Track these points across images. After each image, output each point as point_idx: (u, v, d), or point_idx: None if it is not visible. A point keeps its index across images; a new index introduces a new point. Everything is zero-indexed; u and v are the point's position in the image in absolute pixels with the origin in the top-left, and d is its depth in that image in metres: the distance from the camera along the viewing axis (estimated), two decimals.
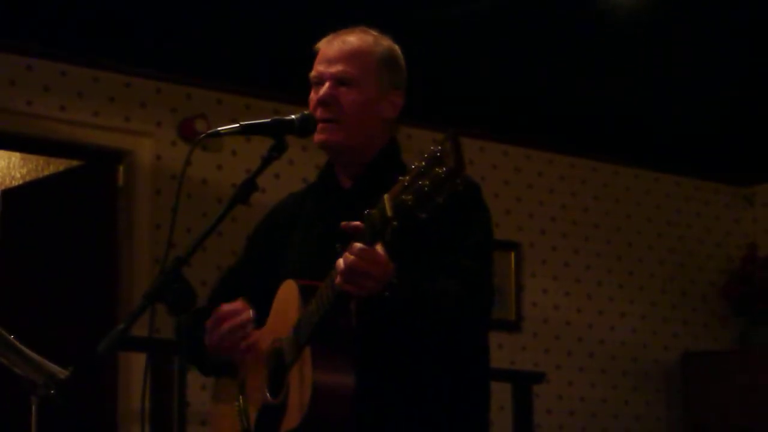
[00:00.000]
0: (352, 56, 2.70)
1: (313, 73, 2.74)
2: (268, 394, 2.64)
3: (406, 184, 2.20)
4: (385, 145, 2.75)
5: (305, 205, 2.85)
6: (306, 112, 2.66)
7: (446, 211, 2.48)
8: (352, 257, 2.35)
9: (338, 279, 2.38)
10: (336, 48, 2.72)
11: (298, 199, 2.90)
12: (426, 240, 2.54)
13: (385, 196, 2.25)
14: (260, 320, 2.73)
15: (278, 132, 2.60)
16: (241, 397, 2.75)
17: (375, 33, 2.77)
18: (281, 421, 2.56)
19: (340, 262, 2.37)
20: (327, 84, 2.69)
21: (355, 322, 2.49)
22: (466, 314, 2.57)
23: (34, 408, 3.21)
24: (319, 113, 2.69)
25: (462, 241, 2.60)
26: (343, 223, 2.38)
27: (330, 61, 2.71)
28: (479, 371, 2.71)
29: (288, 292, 2.62)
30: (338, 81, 2.69)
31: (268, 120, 2.62)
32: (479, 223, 2.67)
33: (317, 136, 2.70)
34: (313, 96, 2.73)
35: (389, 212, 2.23)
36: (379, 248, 2.37)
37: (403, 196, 2.20)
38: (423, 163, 2.18)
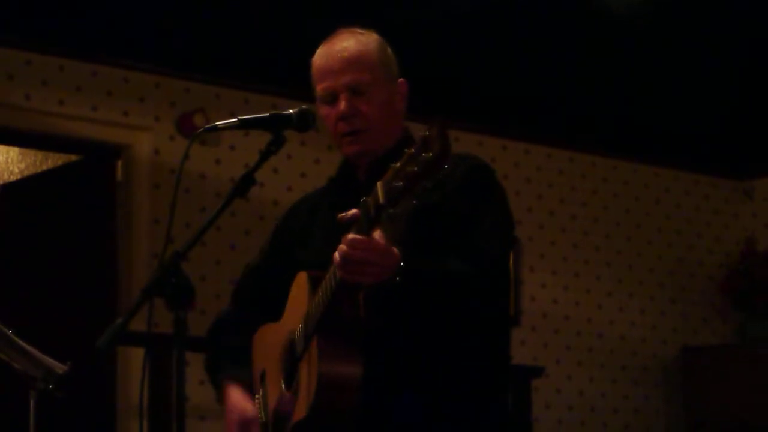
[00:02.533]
0: (357, 62, 2.69)
1: (320, 90, 2.73)
2: (283, 386, 2.65)
3: (397, 169, 2.22)
4: (400, 136, 2.76)
5: (324, 200, 2.87)
6: (304, 106, 2.66)
7: (460, 193, 2.50)
8: (344, 247, 2.36)
9: (338, 271, 2.40)
10: (338, 58, 2.70)
11: (318, 195, 2.93)
12: (440, 222, 2.55)
13: (378, 183, 2.26)
14: (279, 317, 2.76)
15: (276, 126, 2.60)
16: (261, 389, 2.77)
17: (361, 31, 2.77)
18: (293, 412, 2.57)
19: (336, 254, 2.38)
20: (343, 97, 2.68)
21: (362, 312, 2.49)
22: (478, 296, 2.57)
23: (32, 402, 3.21)
24: (341, 127, 2.70)
25: (475, 223, 2.60)
26: (340, 216, 2.39)
27: (337, 73, 2.69)
28: (494, 359, 2.70)
29: (300, 285, 2.65)
30: (353, 91, 2.68)
31: (267, 114, 2.61)
32: (493, 204, 2.67)
33: (349, 149, 2.71)
34: (328, 112, 2.72)
35: (381, 199, 2.24)
36: (377, 235, 2.38)
37: (394, 182, 2.21)
38: (412, 150, 2.20)
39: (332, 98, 2.70)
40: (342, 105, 2.68)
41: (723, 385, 7.93)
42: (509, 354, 2.79)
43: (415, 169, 2.17)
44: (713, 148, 8.20)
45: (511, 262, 8.38)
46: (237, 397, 2.80)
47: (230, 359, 2.87)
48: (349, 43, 2.72)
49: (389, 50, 2.78)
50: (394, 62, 2.77)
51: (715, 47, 6.56)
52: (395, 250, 2.40)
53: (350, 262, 2.36)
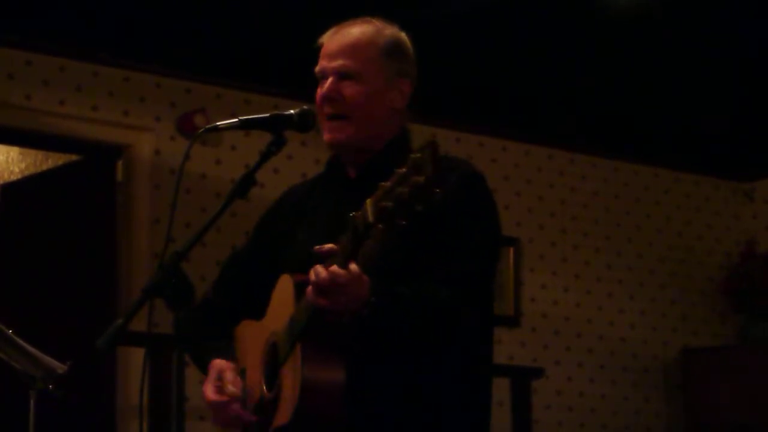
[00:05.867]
0: (352, 49, 2.68)
1: (317, 69, 2.73)
2: (264, 388, 2.64)
3: (387, 189, 2.21)
4: (395, 135, 2.74)
5: (313, 194, 2.85)
6: (305, 107, 2.65)
7: (447, 204, 2.48)
8: (319, 275, 2.36)
9: (310, 292, 2.40)
10: (336, 41, 2.70)
11: (307, 189, 2.89)
12: (427, 237, 2.53)
13: (367, 201, 2.25)
14: (263, 311, 2.73)
15: (277, 127, 2.59)
16: (241, 387, 2.76)
17: (378, 22, 2.75)
18: (274, 416, 2.57)
19: (312, 274, 2.38)
20: (330, 79, 2.68)
21: (346, 317, 2.48)
22: (456, 324, 2.56)
23: (32, 402, 3.22)
24: (324, 109, 2.69)
25: (460, 240, 2.57)
26: (316, 248, 2.39)
27: (331, 56, 2.69)
28: (477, 370, 2.69)
29: (284, 287, 2.62)
30: (341, 75, 2.67)
31: (267, 115, 2.61)
32: (482, 218, 2.64)
33: (326, 135, 2.70)
34: (319, 92, 2.72)
35: (370, 218, 2.24)
36: (352, 266, 2.36)
37: (383, 203, 2.20)
38: (403, 170, 2.19)
39: (323, 79, 2.71)
40: (325, 85, 2.68)
41: (723, 386, 7.92)
42: (491, 364, 2.78)
43: (406, 191, 2.17)
44: (714, 149, 8.19)
45: (511, 262, 8.35)
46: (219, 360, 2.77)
47: (216, 347, 2.82)
48: (354, 29, 2.72)
49: (404, 48, 2.75)
50: (404, 60, 2.74)
51: (716, 48, 6.56)
52: (366, 281, 2.40)
53: (320, 290, 2.37)
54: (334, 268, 2.36)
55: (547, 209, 7.97)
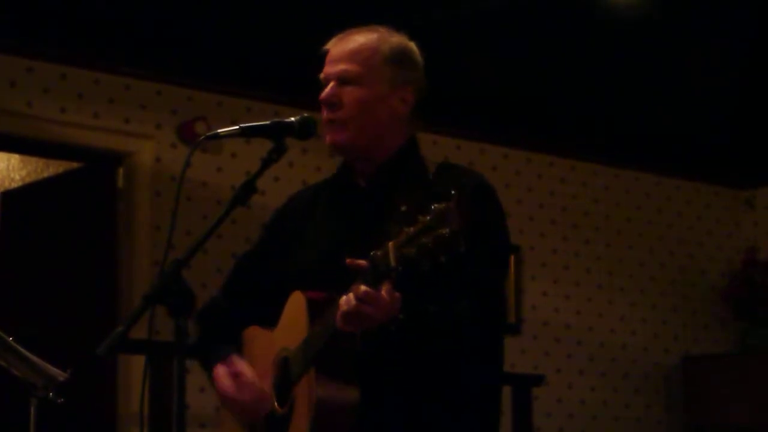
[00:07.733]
0: (354, 54, 2.70)
1: (321, 75, 2.75)
2: (275, 403, 2.64)
3: (410, 236, 2.23)
4: (403, 144, 2.74)
5: (319, 200, 2.86)
6: (306, 114, 2.65)
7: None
8: (355, 302, 2.36)
9: (339, 319, 2.40)
10: (340, 47, 2.72)
11: (312, 194, 2.90)
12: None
13: (390, 244, 2.27)
14: (270, 317, 2.74)
15: (278, 134, 2.58)
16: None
17: (383, 30, 2.76)
18: None
19: (343, 301, 2.38)
20: (331, 84, 2.70)
21: (359, 344, 2.49)
22: (477, 336, 2.58)
23: (33, 409, 3.21)
24: (324, 113, 2.70)
25: (475, 248, 2.56)
26: (348, 261, 2.39)
27: (334, 61, 2.71)
28: (488, 383, 2.70)
29: (296, 305, 2.63)
30: (341, 80, 2.69)
31: (268, 122, 2.60)
32: (493, 227, 2.66)
33: (326, 137, 2.72)
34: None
35: (392, 262, 2.26)
36: (384, 289, 2.37)
37: (406, 249, 2.23)
38: (428, 218, 2.21)
39: (326, 85, 2.73)
40: (325, 90, 2.70)
41: (724, 393, 7.92)
42: (502, 375, 2.78)
43: (430, 242, 2.19)
44: (715, 157, 8.20)
45: (512, 270, 8.33)
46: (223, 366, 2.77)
47: (223, 343, 2.83)
48: (358, 36, 2.73)
49: (410, 56, 2.76)
50: (409, 69, 2.75)
51: (717, 56, 6.56)
52: (397, 299, 2.40)
53: (358, 317, 2.37)
54: (366, 289, 2.35)
55: (548, 217, 7.97)
